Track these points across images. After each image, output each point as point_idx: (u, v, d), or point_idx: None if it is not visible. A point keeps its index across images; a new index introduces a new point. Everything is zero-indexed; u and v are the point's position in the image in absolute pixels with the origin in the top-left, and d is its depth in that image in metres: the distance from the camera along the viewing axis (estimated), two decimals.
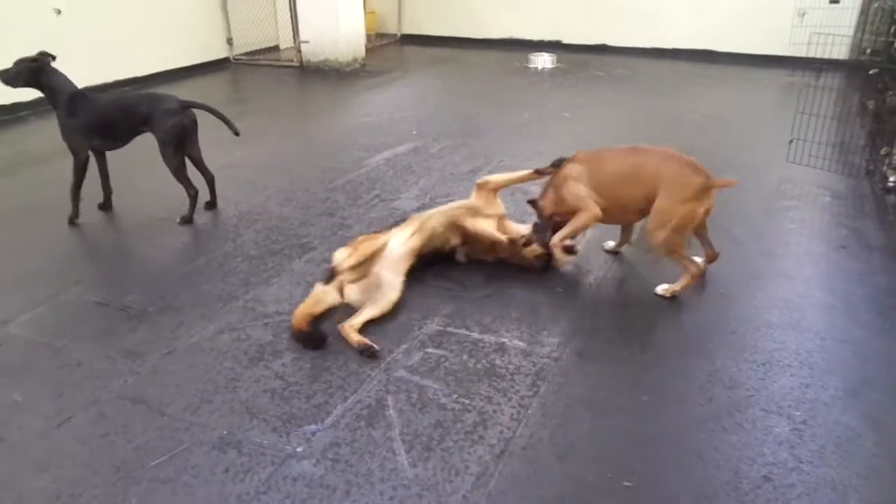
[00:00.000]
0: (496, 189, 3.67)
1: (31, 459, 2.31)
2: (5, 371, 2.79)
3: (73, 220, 4.14)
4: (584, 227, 3.43)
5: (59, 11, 6.82)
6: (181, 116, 4.02)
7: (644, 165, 3.23)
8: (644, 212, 3.30)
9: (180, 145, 4.07)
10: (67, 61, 6.65)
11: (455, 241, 3.56)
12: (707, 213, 3.24)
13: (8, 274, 3.62)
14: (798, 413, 2.53)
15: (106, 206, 4.37)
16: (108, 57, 7.37)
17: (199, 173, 4.31)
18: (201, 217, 4.23)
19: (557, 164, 3.51)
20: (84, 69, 6.93)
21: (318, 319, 2.95)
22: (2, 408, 2.57)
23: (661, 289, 3.32)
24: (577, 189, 3.32)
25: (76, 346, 2.94)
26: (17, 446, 2.37)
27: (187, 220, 4.14)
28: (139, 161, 4.46)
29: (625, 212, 3.40)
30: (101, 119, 4.02)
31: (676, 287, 3.31)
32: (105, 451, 2.34)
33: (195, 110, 4.13)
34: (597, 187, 3.31)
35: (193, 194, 4.16)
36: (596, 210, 3.30)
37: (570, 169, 3.38)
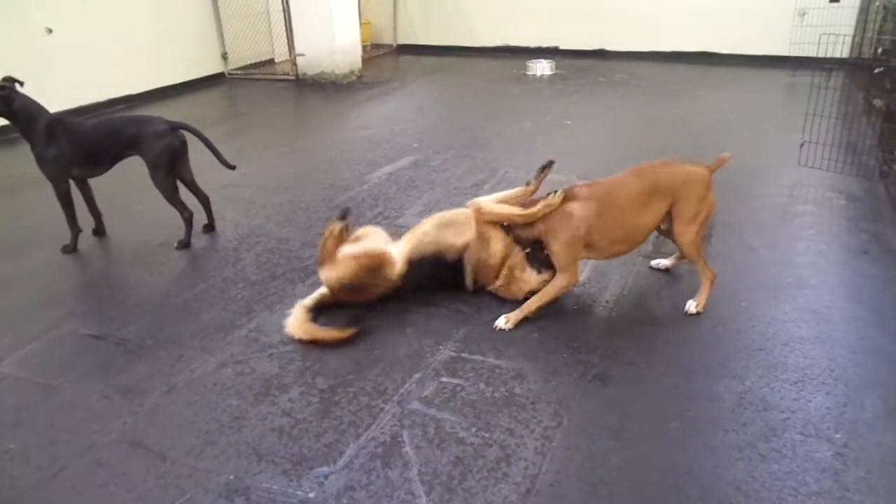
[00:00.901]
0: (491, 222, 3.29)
1: None
2: None
3: (68, 250, 3.99)
4: (559, 296, 3.19)
5: (50, 31, 6.69)
6: (171, 138, 3.88)
7: (656, 183, 3.11)
8: (653, 230, 3.24)
9: (171, 168, 3.92)
10: (59, 80, 6.61)
11: (456, 240, 3.28)
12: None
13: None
14: (839, 436, 2.39)
15: (99, 230, 4.22)
16: (101, 75, 7.24)
17: (192, 196, 4.16)
18: (199, 241, 4.09)
19: (547, 167, 3.27)
20: (76, 88, 6.87)
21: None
22: None
23: (692, 307, 3.18)
24: (573, 243, 3.09)
25: (71, 385, 2.79)
26: (11, 501, 2.22)
27: (185, 245, 4.00)
28: (134, 184, 4.31)
29: (640, 236, 3.23)
30: (85, 145, 3.84)
31: (702, 300, 3.18)
32: (104, 503, 2.18)
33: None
34: (613, 221, 3.09)
35: (188, 217, 4.02)
36: (576, 279, 3.18)
37: (576, 208, 3.06)
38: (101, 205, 4.19)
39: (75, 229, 4.01)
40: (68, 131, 3.82)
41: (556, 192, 3.11)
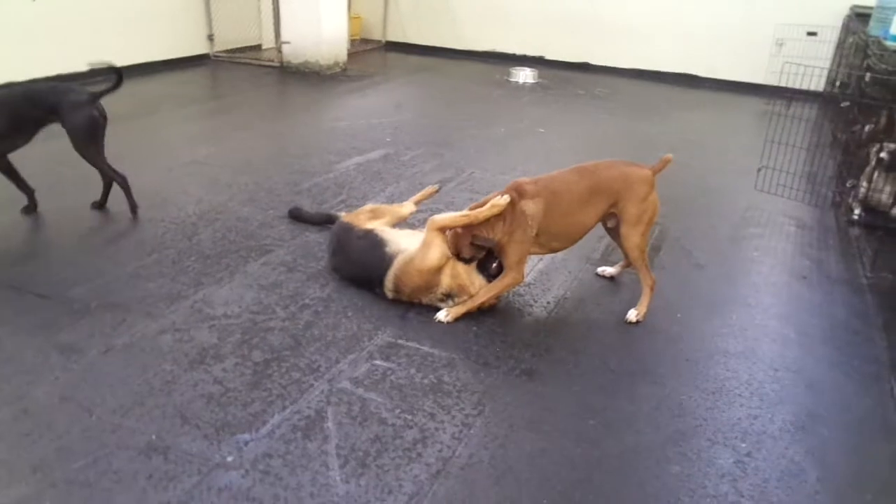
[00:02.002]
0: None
1: None
2: None
3: (29, 210, 4.00)
4: (503, 293, 3.28)
5: None
6: (91, 109, 3.81)
7: (598, 182, 3.19)
8: (592, 227, 3.33)
9: (94, 138, 3.88)
10: (42, 49, 6.61)
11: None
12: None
13: None
14: (744, 445, 2.49)
15: (31, 207, 4.05)
16: (84, 46, 7.22)
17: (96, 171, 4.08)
18: (159, 213, 4.13)
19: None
20: (58, 58, 6.85)
21: None
22: None
23: (633, 315, 3.27)
24: (525, 242, 3.14)
25: (10, 338, 2.83)
26: None
27: (134, 209, 4.07)
28: (110, 154, 4.34)
29: (579, 233, 3.31)
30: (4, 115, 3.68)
31: (642, 309, 3.28)
32: (24, 450, 2.23)
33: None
34: (555, 219, 3.15)
35: (122, 181, 4.03)
36: (522, 278, 3.24)
37: (529, 206, 3.10)
38: (60, 169, 4.19)
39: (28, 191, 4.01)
40: None
41: (502, 194, 3.14)
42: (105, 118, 3.91)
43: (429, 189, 3.84)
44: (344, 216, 3.65)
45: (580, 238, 3.34)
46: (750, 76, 8.47)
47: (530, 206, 3.11)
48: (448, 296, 3.18)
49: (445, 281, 3.15)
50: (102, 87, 3.86)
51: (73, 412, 2.42)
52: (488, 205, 3.11)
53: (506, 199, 3.08)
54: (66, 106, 3.75)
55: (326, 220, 4.01)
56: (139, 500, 2.07)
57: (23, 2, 6.57)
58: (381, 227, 3.45)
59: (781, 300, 3.61)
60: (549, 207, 3.12)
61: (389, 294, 3.24)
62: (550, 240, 3.23)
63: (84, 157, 3.91)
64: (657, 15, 8.87)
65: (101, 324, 2.97)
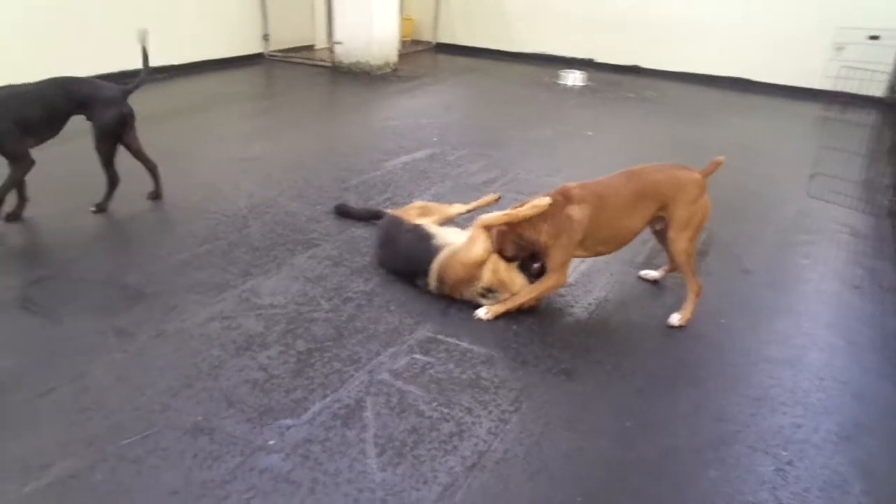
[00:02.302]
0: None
1: (8, 427, 2.33)
2: (1, 337, 2.83)
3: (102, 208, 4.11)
4: (545, 295, 3.29)
5: None
6: (122, 107, 3.96)
7: (646, 186, 3.17)
8: (640, 232, 3.30)
9: (116, 136, 4.01)
10: (105, 45, 6.87)
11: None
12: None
13: (18, 247, 3.69)
14: (785, 453, 2.45)
15: (17, 215, 3.97)
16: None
17: (140, 163, 4.25)
18: (212, 206, 4.26)
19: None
20: (121, 55, 7.10)
21: None
22: None
23: (675, 319, 3.25)
24: (570, 246, 3.14)
25: (71, 319, 2.97)
26: None
27: (102, 209, 4.09)
28: (169, 149, 4.49)
29: (626, 238, 3.30)
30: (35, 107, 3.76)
31: (686, 313, 3.25)
32: (80, 425, 2.35)
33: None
34: (602, 224, 3.14)
35: (115, 184, 4.10)
36: (564, 281, 3.23)
37: (575, 211, 3.10)
38: (123, 169, 4.32)
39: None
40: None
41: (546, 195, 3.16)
42: (133, 116, 4.03)
43: (489, 197, 3.90)
44: (392, 212, 3.72)
45: (627, 242, 3.32)
46: (806, 81, 8.26)
47: (576, 211, 3.10)
48: (489, 291, 3.20)
49: (487, 276, 3.18)
50: (131, 84, 4.03)
51: (126, 391, 2.53)
52: (529, 205, 3.13)
53: (546, 200, 3.10)
54: (98, 101, 3.88)
55: (373, 217, 4.08)
56: (185, 477, 2.15)
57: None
58: (429, 223, 3.51)
59: (831, 308, 3.53)
60: (595, 212, 3.12)
61: (432, 285, 3.29)
62: (597, 244, 3.22)
63: (99, 152, 3.98)
64: (709, 18, 8.72)
65: (153, 309, 3.09)
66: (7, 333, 2.87)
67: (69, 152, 4.41)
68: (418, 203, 3.86)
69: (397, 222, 3.54)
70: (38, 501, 2.05)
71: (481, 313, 3.18)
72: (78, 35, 6.68)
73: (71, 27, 6.62)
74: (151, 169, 4.29)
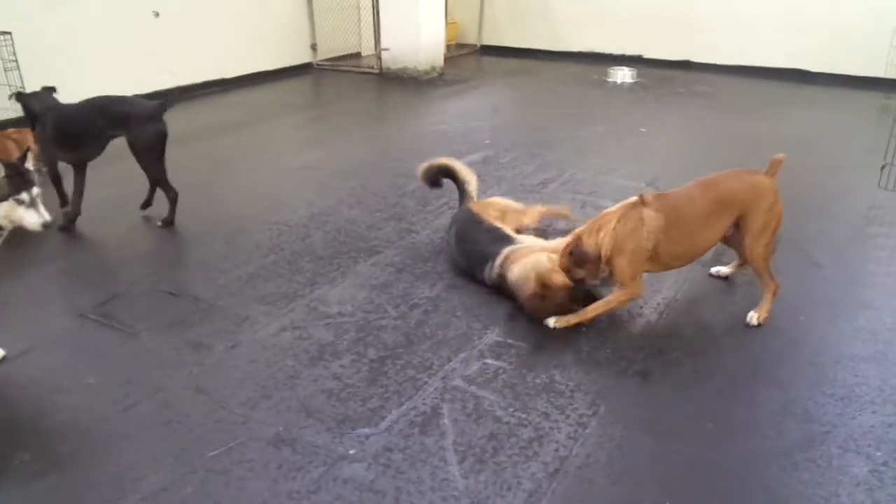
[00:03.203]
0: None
1: (99, 442, 2.40)
2: (83, 354, 2.92)
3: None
4: (618, 308, 3.18)
5: (157, 14, 7.14)
6: (159, 123, 4.00)
7: (723, 196, 3.09)
8: (718, 243, 3.24)
9: (162, 150, 4.07)
10: (162, 61, 7.06)
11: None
12: None
13: (90, 263, 3.80)
14: (879, 454, 2.36)
15: (70, 223, 4.14)
16: (199, 58, 7.67)
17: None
18: (274, 216, 4.32)
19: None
20: (177, 70, 7.30)
21: None
22: (76, 390, 2.67)
23: (754, 318, 3.14)
24: (639, 255, 3.01)
25: (147, 334, 3.05)
26: (87, 429, 2.46)
27: (169, 223, 4.18)
28: (226, 160, 4.60)
29: (703, 250, 3.23)
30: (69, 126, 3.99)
31: (763, 312, 3.15)
32: (166, 439, 2.40)
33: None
34: (678, 237, 3.03)
35: (174, 197, 4.17)
36: (637, 292, 3.09)
37: (649, 216, 2.98)
38: (184, 182, 4.37)
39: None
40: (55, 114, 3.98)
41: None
42: (166, 133, 4.05)
43: (561, 208, 3.94)
44: (472, 204, 3.81)
45: (702, 255, 3.27)
46: (868, 70, 7.96)
47: (651, 217, 2.97)
48: None
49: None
50: (166, 101, 4.09)
51: (206, 404, 2.57)
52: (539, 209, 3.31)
53: (566, 207, 3.13)
54: (135, 119, 3.94)
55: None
56: (270, 488, 2.18)
57: (147, 15, 7.04)
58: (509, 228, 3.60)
59: None
60: (669, 224, 2.99)
61: (496, 272, 3.31)
62: (672, 259, 3.13)
63: (147, 171, 4.10)
64: (761, 8, 8.48)
65: (226, 321, 3.14)
66: (87, 350, 2.96)
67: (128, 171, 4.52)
68: (498, 200, 3.92)
69: (476, 220, 3.61)
70: None
71: (551, 322, 3.13)
72: (137, 51, 6.87)
73: (131, 43, 6.81)
74: (172, 198, 4.19)
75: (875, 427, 2.49)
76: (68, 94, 4.21)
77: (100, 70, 6.40)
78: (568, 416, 2.53)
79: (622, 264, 3.00)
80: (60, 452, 2.34)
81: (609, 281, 3.14)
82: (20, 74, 5.31)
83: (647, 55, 9.41)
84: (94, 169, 4.20)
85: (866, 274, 3.68)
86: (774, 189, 3.10)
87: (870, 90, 7.83)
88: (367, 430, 2.44)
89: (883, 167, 4.72)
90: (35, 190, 2.70)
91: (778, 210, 3.11)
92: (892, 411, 2.58)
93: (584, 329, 3.10)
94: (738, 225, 3.14)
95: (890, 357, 2.90)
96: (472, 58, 10.35)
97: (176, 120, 5.76)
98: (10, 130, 5.07)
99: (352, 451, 2.34)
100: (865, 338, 3.05)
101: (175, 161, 4.28)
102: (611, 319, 3.19)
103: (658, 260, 3.08)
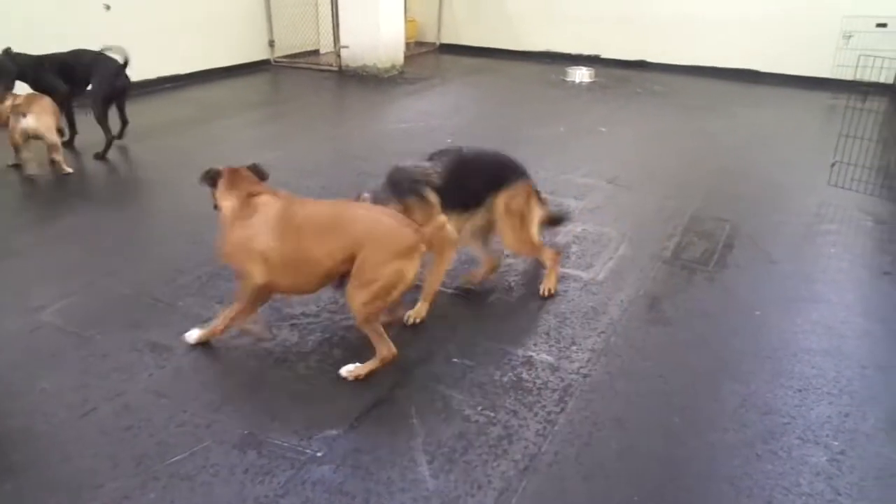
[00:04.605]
0: None
1: (56, 448, 2.31)
2: (36, 358, 2.81)
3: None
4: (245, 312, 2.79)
5: (108, 7, 6.94)
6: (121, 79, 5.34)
7: (343, 214, 2.67)
8: (331, 277, 2.69)
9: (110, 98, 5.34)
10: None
11: None
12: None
13: (46, 262, 3.67)
14: (836, 443, 2.43)
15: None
16: (152, 53, 7.47)
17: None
18: None
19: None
20: (128, 65, 7.09)
21: None
22: (30, 395, 2.58)
23: (346, 371, 2.69)
24: (252, 243, 2.59)
25: (104, 336, 2.95)
26: (43, 435, 2.37)
27: (101, 156, 5.19)
28: (183, 158, 4.49)
29: (310, 273, 2.65)
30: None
31: (362, 371, 2.68)
32: (127, 444, 2.33)
33: None
34: (283, 236, 2.60)
35: (111, 138, 5.26)
36: (261, 280, 2.64)
37: (263, 204, 2.66)
38: (142, 178, 4.34)
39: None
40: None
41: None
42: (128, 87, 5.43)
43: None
44: None
45: (315, 282, 2.71)
46: (815, 70, 8.22)
47: (264, 203, 2.66)
48: None
49: None
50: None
51: (168, 408, 2.50)
52: None
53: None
54: (99, 67, 5.25)
55: None
56: (237, 494, 2.13)
57: (97, 9, 6.84)
58: None
59: (864, 296, 3.50)
60: (285, 212, 2.67)
61: None
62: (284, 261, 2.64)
63: (94, 108, 5.19)
64: (714, 10, 8.69)
65: (186, 322, 3.05)
66: (41, 353, 2.85)
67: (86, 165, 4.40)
68: None
69: None
70: None
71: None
72: (86, 44, 6.67)
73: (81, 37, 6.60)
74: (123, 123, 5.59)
75: (832, 417, 2.56)
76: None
77: None
78: (536, 414, 2.53)
79: (239, 243, 2.70)
80: (13, 460, 2.26)
81: None
82: None
83: (604, 55, 9.53)
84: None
85: (819, 269, 3.79)
86: (407, 244, 2.56)
87: (817, 90, 8.08)
88: (334, 432, 2.41)
89: (833, 165, 4.87)
90: None
91: (398, 272, 2.55)
92: (847, 402, 2.65)
93: (551, 326, 3.12)
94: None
95: (844, 350, 2.99)
96: (431, 56, 10.34)
97: (131, 116, 5.67)
98: None
99: (320, 454, 2.30)
100: (820, 332, 3.14)
101: (132, 158, 4.17)
102: (577, 319, 3.21)
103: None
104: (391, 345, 2.69)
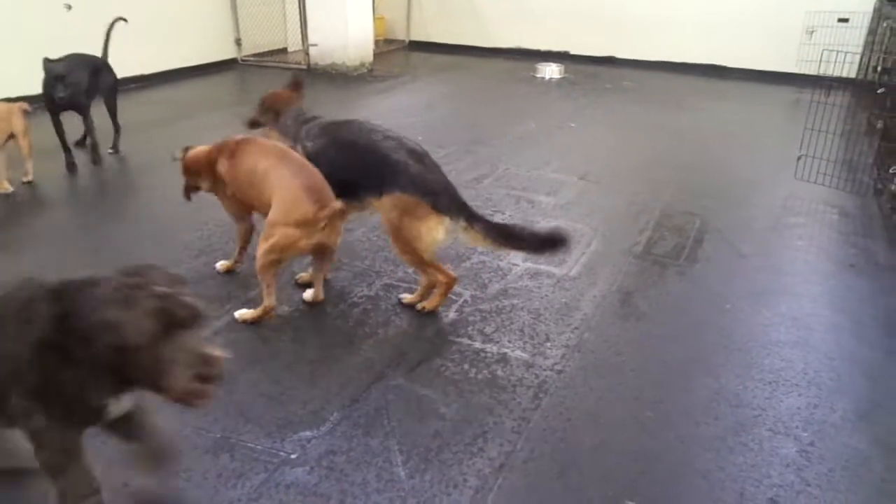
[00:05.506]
0: None
1: None
2: None
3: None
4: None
5: (69, 7, 6.79)
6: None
7: (270, 172, 2.95)
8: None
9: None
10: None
11: None
12: (321, 250, 3.01)
13: (2, 269, 3.58)
14: (806, 434, 2.47)
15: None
16: (115, 53, 7.31)
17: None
18: (213, 217, 4.15)
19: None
20: None
21: None
22: None
23: (238, 314, 3.06)
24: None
25: None
26: None
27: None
28: (150, 159, 4.40)
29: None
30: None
31: (248, 316, 3.03)
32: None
33: None
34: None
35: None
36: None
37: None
38: (108, 180, 4.26)
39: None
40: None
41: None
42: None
43: None
44: None
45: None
46: (779, 65, 8.37)
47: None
48: None
49: None
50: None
51: None
52: None
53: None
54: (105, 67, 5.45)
55: None
56: (211, 498, 2.10)
57: (58, 10, 6.68)
58: None
59: (830, 289, 3.57)
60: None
61: None
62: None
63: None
64: (682, 6, 8.79)
65: None
66: None
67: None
68: None
69: None
70: None
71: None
72: (48, 46, 6.52)
73: (41, 38, 6.45)
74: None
75: (801, 409, 2.61)
76: None
77: (6, 64, 6.04)
78: (511, 411, 2.54)
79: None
80: None
81: None
82: None
83: (573, 51, 9.59)
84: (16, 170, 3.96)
85: (786, 262, 3.85)
86: (304, 214, 2.81)
87: (782, 84, 8.22)
88: (308, 433, 2.38)
89: (799, 158, 4.95)
90: None
91: (290, 234, 2.84)
92: (815, 393, 2.70)
93: (522, 325, 3.12)
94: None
95: (811, 342, 3.04)
96: (400, 53, 10.30)
97: (95, 117, 5.54)
98: None
99: (294, 456, 2.28)
100: (788, 324, 3.19)
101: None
102: (550, 314, 3.22)
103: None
104: (274, 298, 3.01)
